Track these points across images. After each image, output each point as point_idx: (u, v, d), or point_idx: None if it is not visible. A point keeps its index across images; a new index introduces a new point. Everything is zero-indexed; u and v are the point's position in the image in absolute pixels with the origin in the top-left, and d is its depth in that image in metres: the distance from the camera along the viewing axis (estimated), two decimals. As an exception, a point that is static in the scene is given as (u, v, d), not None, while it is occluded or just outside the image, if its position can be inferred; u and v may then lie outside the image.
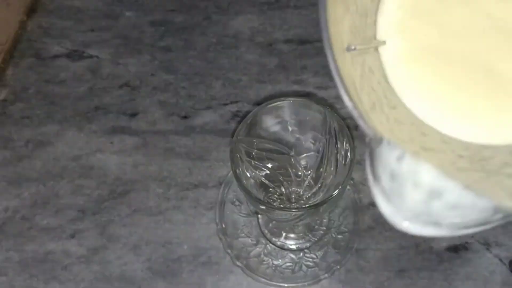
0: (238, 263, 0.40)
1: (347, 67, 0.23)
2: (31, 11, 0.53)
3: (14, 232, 0.42)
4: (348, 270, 0.39)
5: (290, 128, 0.37)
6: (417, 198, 0.20)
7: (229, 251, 0.40)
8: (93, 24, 0.52)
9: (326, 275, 0.39)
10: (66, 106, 0.48)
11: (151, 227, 0.42)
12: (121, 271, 0.40)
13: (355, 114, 0.20)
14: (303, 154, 0.39)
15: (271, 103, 0.35)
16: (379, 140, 0.21)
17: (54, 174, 0.44)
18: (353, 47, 0.24)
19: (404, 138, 0.23)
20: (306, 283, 0.39)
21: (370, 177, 0.21)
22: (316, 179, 0.39)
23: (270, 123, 0.37)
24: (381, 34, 0.28)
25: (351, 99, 0.20)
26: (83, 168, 0.44)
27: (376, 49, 0.27)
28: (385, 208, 0.20)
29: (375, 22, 0.27)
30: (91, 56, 0.50)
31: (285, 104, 0.35)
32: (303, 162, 0.39)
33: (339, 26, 0.23)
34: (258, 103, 0.46)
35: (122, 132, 0.46)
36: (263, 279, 0.39)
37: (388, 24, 0.28)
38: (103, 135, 0.46)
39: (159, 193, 0.43)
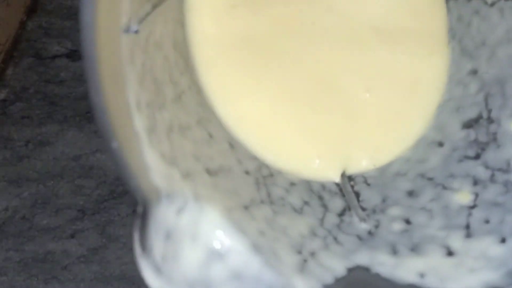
0: (238, 263, 0.39)
1: (119, 69, 0.17)
2: (31, 11, 0.53)
3: (14, 232, 0.42)
4: (348, 270, 0.39)
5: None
6: (195, 259, 0.16)
7: (229, 251, 0.40)
8: (93, 24, 0.52)
9: (326, 275, 0.39)
10: (66, 106, 0.48)
11: (151, 227, 0.42)
12: (121, 271, 0.40)
13: (126, 171, 0.16)
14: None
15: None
16: (157, 198, 0.17)
17: (54, 174, 0.44)
18: (135, 28, 0.17)
19: (187, 167, 0.19)
20: (306, 283, 0.39)
21: (137, 249, 0.17)
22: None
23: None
24: None
25: (117, 139, 0.15)
26: (83, 168, 0.44)
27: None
28: (154, 282, 0.17)
29: None
30: (91, 56, 0.50)
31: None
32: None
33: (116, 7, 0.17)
34: (258, 103, 0.46)
35: (122, 132, 0.46)
36: (263, 279, 0.39)
37: None
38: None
39: (159, 193, 0.43)
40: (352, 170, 0.23)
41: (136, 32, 0.17)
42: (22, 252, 0.41)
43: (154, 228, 0.16)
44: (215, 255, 0.16)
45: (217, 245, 0.16)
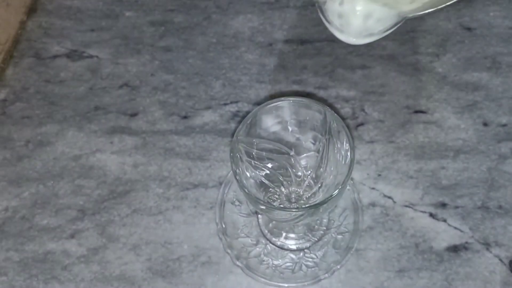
0: (238, 263, 0.40)
1: None
2: (31, 11, 0.53)
3: (14, 232, 0.42)
4: (348, 270, 0.39)
5: (290, 128, 0.37)
6: (358, 22, 0.31)
7: (229, 251, 0.40)
8: (93, 24, 0.52)
9: (326, 275, 0.39)
10: (66, 106, 0.48)
11: (151, 227, 0.42)
12: (121, 271, 0.40)
13: None
14: (303, 154, 0.39)
15: (271, 103, 0.35)
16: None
17: (54, 174, 0.44)
18: None
19: None
20: (306, 283, 0.39)
21: (324, 21, 0.32)
22: (316, 179, 0.39)
23: (270, 123, 0.37)
24: None
25: None
26: (83, 168, 0.44)
27: None
28: (341, 36, 0.32)
29: None
30: (91, 56, 0.50)
31: (285, 104, 0.35)
32: (303, 162, 0.39)
33: None
34: (258, 103, 0.46)
35: (122, 132, 0.46)
36: (263, 279, 0.39)
37: None
38: (103, 135, 0.46)
39: (159, 193, 0.43)
40: None
41: None
42: (22, 252, 0.41)
43: (330, 12, 0.32)
44: (367, 16, 0.31)
45: (367, 11, 0.31)
